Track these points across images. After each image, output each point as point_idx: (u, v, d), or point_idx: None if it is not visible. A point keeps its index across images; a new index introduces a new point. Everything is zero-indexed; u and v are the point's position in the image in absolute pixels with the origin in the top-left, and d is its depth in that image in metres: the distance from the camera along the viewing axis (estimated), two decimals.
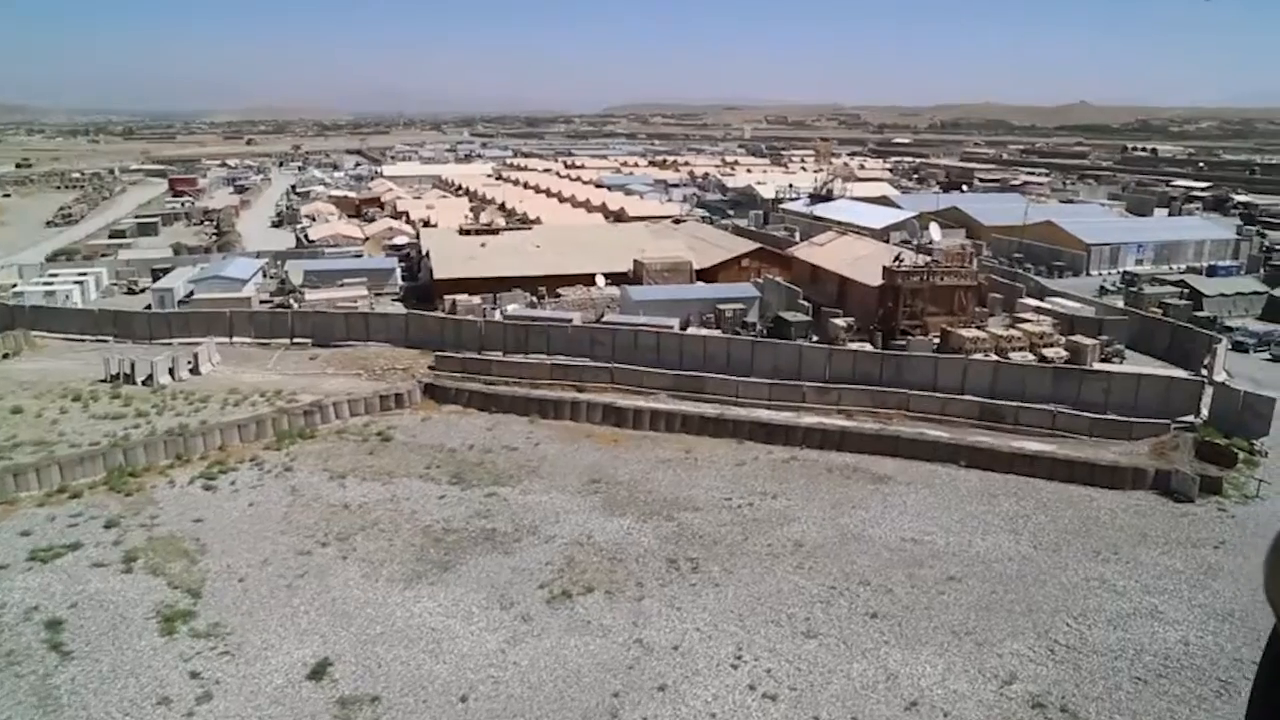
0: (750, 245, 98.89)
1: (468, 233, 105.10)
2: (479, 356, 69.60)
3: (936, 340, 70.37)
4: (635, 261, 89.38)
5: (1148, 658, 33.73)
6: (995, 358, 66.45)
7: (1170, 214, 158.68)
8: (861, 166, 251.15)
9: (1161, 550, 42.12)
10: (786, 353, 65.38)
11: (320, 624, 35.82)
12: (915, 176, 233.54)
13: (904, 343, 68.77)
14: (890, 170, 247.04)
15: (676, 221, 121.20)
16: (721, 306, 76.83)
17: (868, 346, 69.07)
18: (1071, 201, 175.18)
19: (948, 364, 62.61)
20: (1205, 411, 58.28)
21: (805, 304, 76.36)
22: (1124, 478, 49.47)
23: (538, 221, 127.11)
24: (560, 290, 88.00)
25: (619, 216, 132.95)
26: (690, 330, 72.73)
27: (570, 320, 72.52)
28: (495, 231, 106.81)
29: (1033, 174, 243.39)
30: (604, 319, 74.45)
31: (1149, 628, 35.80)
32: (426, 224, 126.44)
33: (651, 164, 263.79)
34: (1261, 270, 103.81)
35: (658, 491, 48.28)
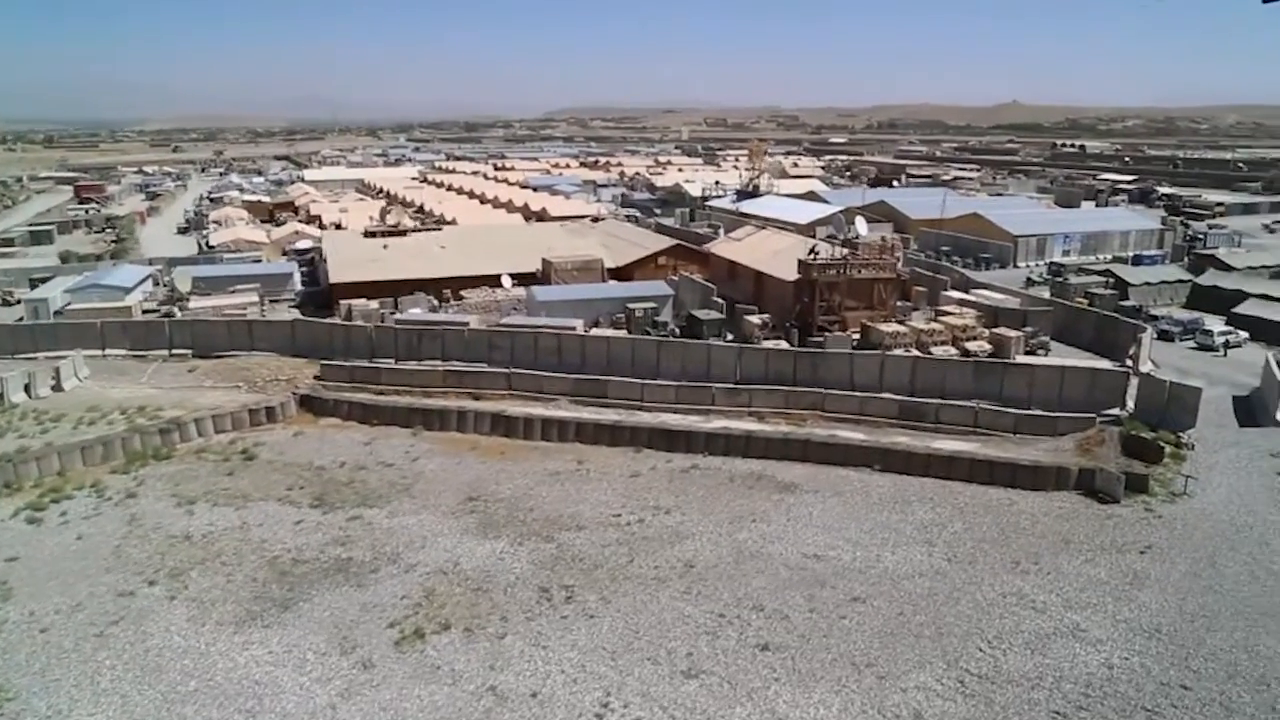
0: (667, 242, 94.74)
1: (373, 235, 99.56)
2: (368, 365, 64.37)
3: (856, 336, 66.77)
4: (543, 261, 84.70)
5: (1068, 686, 29.85)
6: (916, 353, 63.01)
7: (1097, 206, 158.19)
8: (795, 165, 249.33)
9: (1085, 558, 38.47)
10: (694, 353, 61.16)
11: (124, 682, 30.56)
12: (848, 174, 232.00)
13: (821, 339, 64.97)
14: (824, 168, 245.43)
15: (595, 220, 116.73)
16: (632, 306, 72.47)
17: (784, 344, 65.20)
18: (1000, 195, 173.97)
19: (864, 361, 58.84)
20: (1131, 404, 55.28)
21: (719, 301, 72.27)
22: (1047, 478, 45.93)
23: (453, 223, 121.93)
24: (464, 292, 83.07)
25: (540, 217, 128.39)
26: (595, 331, 68.21)
27: (466, 323, 67.59)
28: (402, 233, 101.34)
29: (964, 170, 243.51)
30: (503, 322, 69.57)
31: (1069, 650, 31.97)
32: (338, 227, 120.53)
33: (583, 165, 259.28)
34: (1185, 259, 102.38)
35: (541, 509, 43.60)
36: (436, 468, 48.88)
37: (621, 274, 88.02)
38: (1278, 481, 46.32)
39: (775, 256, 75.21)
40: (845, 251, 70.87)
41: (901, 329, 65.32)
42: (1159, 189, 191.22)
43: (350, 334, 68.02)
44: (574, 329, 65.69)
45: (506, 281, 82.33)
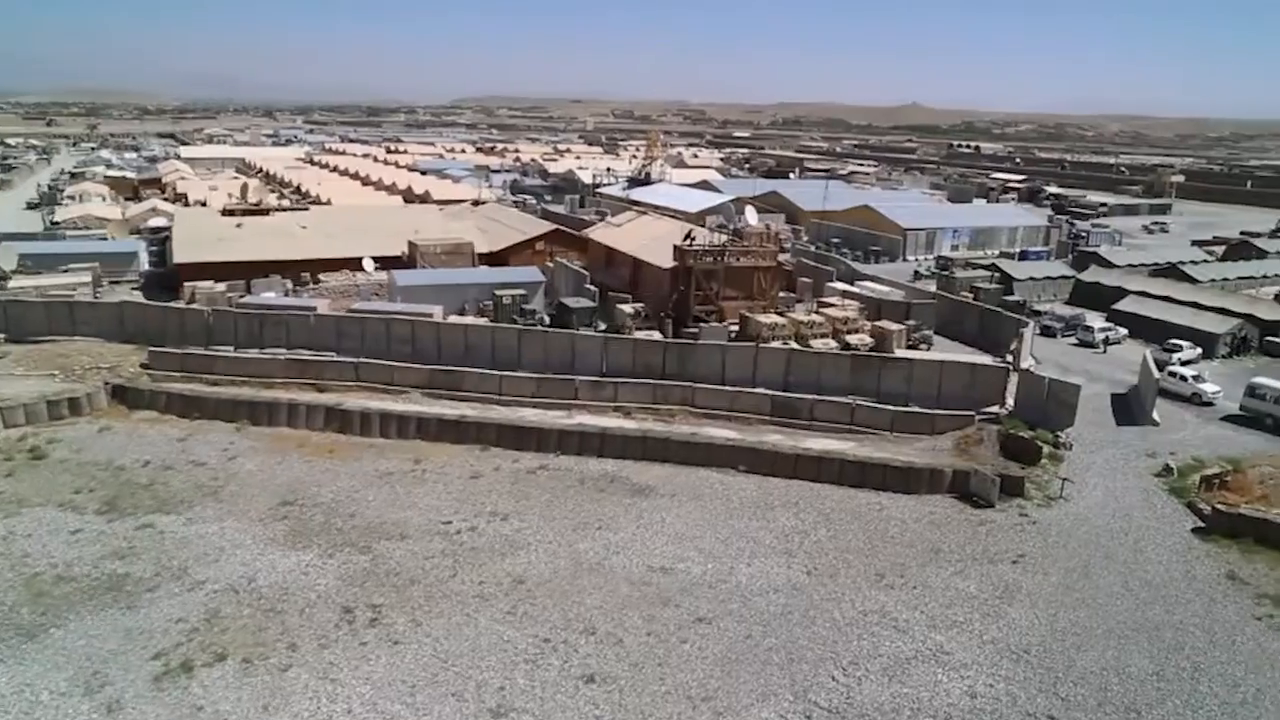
0: (546, 227, 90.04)
1: (231, 213, 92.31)
2: (204, 353, 58.06)
3: (735, 327, 63.32)
4: (410, 244, 79.16)
5: None
6: (794, 345, 59.84)
7: (988, 203, 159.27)
8: (695, 156, 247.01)
9: (954, 570, 35.42)
10: (558, 343, 56.75)
11: None
12: (747, 166, 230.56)
13: (697, 330, 61.28)
14: (723, 160, 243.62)
15: (476, 204, 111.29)
16: (500, 293, 67.60)
17: (656, 335, 61.30)
18: (894, 189, 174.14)
19: (737, 353, 55.29)
20: (1011, 401, 53.03)
21: (592, 289, 67.99)
22: (920, 480, 42.96)
23: (328, 203, 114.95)
24: (323, 276, 77.03)
25: (422, 199, 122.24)
26: (454, 318, 63.20)
27: (313, 309, 61.79)
28: (264, 212, 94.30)
29: (861, 165, 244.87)
30: (354, 307, 63.96)
31: (931, 676, 28.66)
32: (203, 205, 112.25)
33: (479, 150, 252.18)
34: (1070, 255, 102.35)
35: (363, 515, 38.65)
36: (254, 468, 43.39)
37: (497, 259, 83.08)
38: (1153, 483, 44.36)
39: (654, 243, 71.27)
40: (724, 238, 67.37)
41: (781, 320, 62.07)
42: (1047, 189, 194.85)
43: (185, 319, 61.51)
44: (430, 316, 60.56)
45: (368, 265, 76.58)
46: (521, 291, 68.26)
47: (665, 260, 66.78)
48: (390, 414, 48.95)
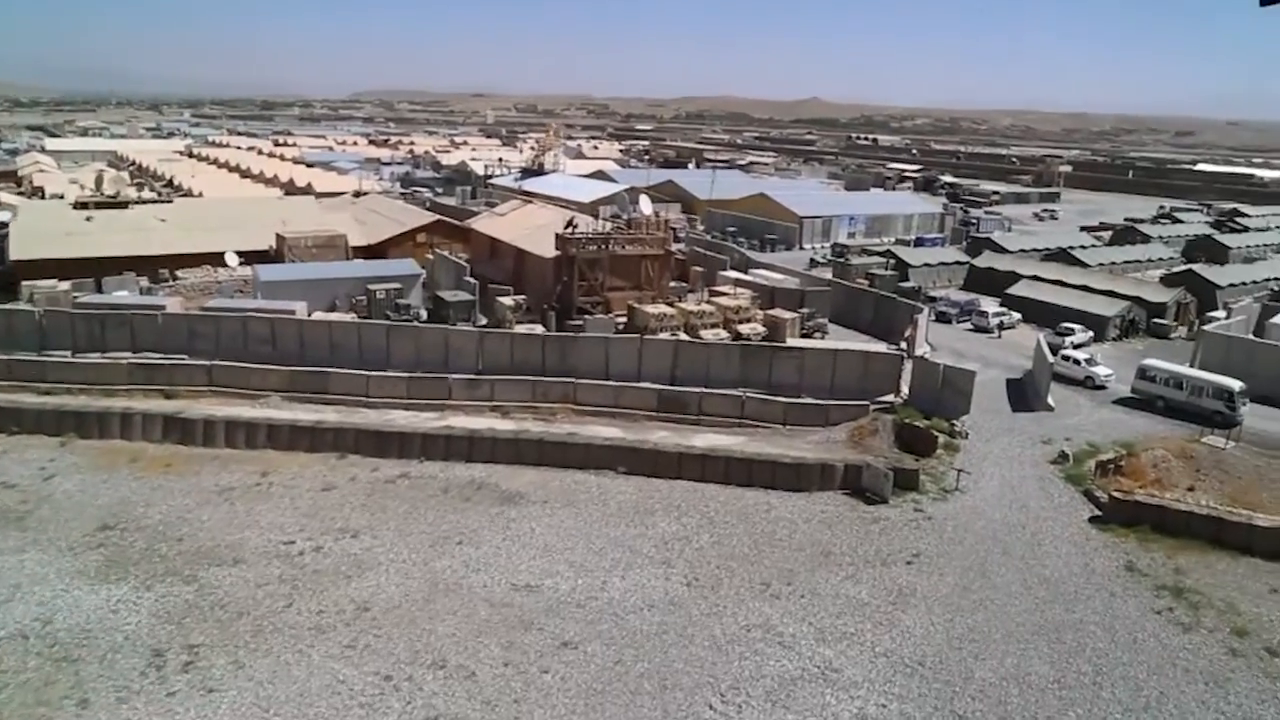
0: (427, 218, 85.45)
1: (84, 206, 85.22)
2: (34, 358, 52.28)
3: (622, 319, 60.19)
4: (277, 236, 73.85)
5: None
6: (684, 336, 57.01)
7: (885, 191, 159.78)
8: (595, 147, 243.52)
9: (846, 574, 32.83)
10: (430, 339, 52.76)
11: None
12: (647, 157, 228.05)
13: (581, 323, 57.91)
14: (623, 151, 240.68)
15: (358, 195, 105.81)
16: (373, 287, 63.04)
17: (539, 329, 57.75)
18: (792, 178, 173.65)
19: (621, 346, 52.13)
20: (906, 389, 51.10)
21: (471, 281, 63.98)
22: (810, 477, 40.39)
23: (199, 195, 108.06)
24: (182, 272, 71.25)
25: (304, 192, 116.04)
26: (318, 315, 58.57)
27: (161, 308, 56.43)
28: (122, 205, 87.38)
29: (761, 156, 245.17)
30: (208, 305, 58.74)
31: (818, 699, 25.87)
32: (61, 199, 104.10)
33: (371, 143, 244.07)
34: (964, 242, 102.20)
35: (193, 538, 34.21)
36: (73, 487, 38.40)
37: (375, 252, 78.26)
38: (1049, 471, 42.73)
39: (538, 232, 67.55)
40: (610, 226, 64.16)
41: (669, 311, 59.15)
42: (942, 178, 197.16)
43: (12, 321, 55.39)
44: (292, 313, 55.85)
45: (231, 259, 71.05)
46: (396, 285, 63.84)
47: (549, 250, 63.20)
48: (237, 421, 44.30)
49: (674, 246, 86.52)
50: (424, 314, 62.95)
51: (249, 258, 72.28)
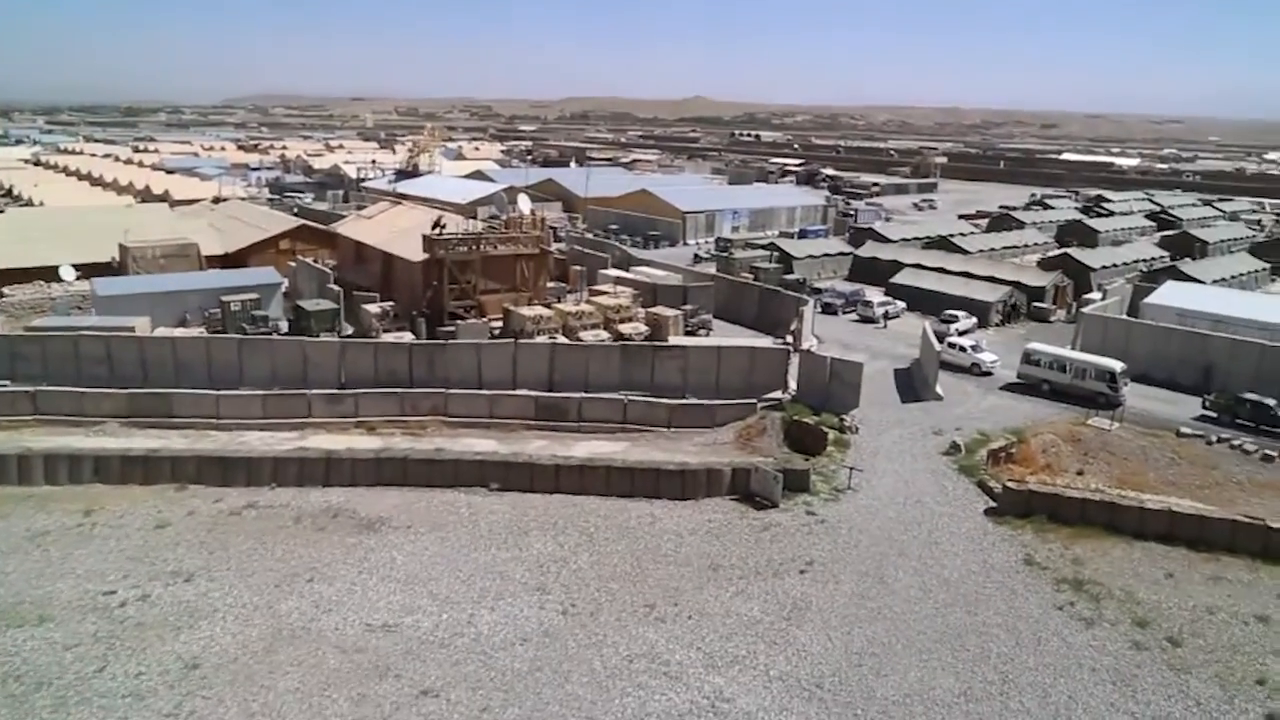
0: (290, 223, 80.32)
1: None
2: None
3: (498, 323, 56.87)
4: (120, 247, 67.94)
5: None
6: (562, 339, 54.06)
7: (768, 185, 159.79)
8: (476, 148, 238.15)
9: (735, 589, 30.41)
10: (286, 353, 48.60)
11: None
12: (529, 157, 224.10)
13: (453, 329, 54.38)
14: (505, 152, 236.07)
15: (217, 201, 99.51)
16: (228, 298, 58.10)
17: (408, 336, 53.96)
18: (675, 174, 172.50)
19: (493, 352, 48.95)
20: (793, 385, 49.29)
21: (334, 289, 59.65)
22: (696, 484, 37.93)
23: (41, 204, 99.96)
24: (9, 289, 64.73)
25: (161, 199, 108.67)
26: (161, 331, 53.55)
27: None
28: None
29: (645, 154, 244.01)
30: (34, 324, 53.04)
31: None
32: None
33: (240, 148, 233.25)
34: (846, 233, 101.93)
35: None
36: None
37: (234, 261, 72.90)
38: (942, 463, 41.30)
39: (406, 235, 63.47)
40: (481, 225, 60.72)
41: (547, 313, 56.08)
42: (824, 171, 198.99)
43: None
44: (131, 330, 50.79)
45: (67, 273, 65.02)
46: (254, 296, 59.05)
47: (417, 253, 59.29)
48: (59, 454, 39.40)
49: (554, 246, 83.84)
50: (284, 326, 58.48)
51: (89, 271, 66.29)
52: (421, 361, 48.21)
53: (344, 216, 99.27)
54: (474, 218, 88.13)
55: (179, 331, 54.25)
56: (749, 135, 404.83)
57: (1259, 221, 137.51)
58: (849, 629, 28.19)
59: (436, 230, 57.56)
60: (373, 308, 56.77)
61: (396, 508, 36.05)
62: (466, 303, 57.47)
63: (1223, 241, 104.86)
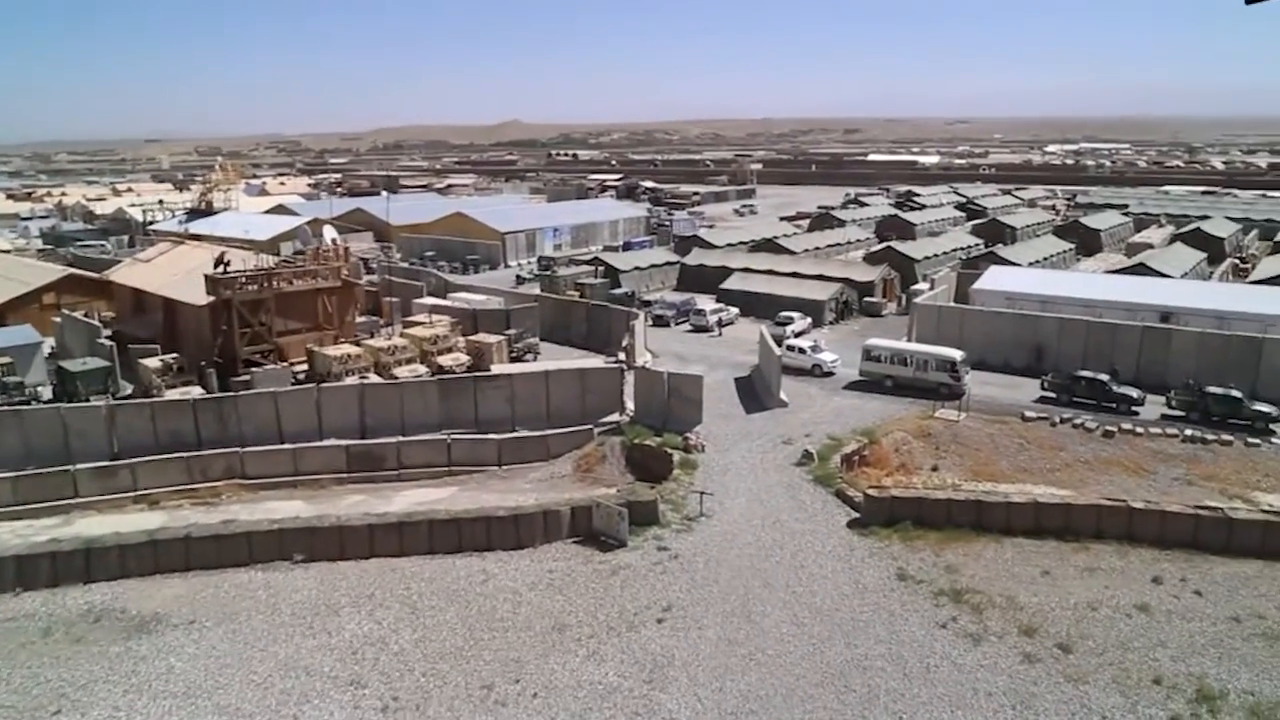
0: (58, 273, 71.03)
1: None
2: None
3: (302, 367, 50.91)
4: None
5: None
6: (375, 378, 48.69)
7: (589, 200, 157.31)
8: (282, 183, 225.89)
9: (587, 652, 26.21)
10: (41, 424, 41.25)
11: None
12: (339, 189, 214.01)
13: (248, 377, 48.08)
14: (312, 185, 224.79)
15: None
16: None
17: (196, 390, 47.28)
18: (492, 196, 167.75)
19: (293, 400, 43.21)
20: (631, 405, 45.72)
21: (106, 344, 52.07)
22: (533, 529, 33.47)
23: None
24: None
25: None
26: None
27: None
28: None
29: (461, 178, 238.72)
30: None
31: None
32: None
33: (10, 197, 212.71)
34: (672, 242, 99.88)
35: None
36: None
37: None
38: (797, 475, 38.51)
39: (189, 277, 56.26)
40: (274, 260, 54.55)
41: (355, 350, 50.57)
42: (643, 184, 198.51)
43: None
44: None
45: None
46: (5, 360, 50.83)
47: (202, 297, 52.44)
48: None
49: (365, 278, 77.81)
50: (46, 392, 50.58)
51: None
52: (209, 418, 41.96)
53: (114, 260, 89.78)
54: (276, 254, 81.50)
55: None
56: (566, 155, 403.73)
57: (1054, 207, 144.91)
58: (720, 684, 24.48)
59: (220, 269, 50.98)
60: (152, 362, 49.69)
61: (178, 599, 30.00)
62: (263, 347, 51.21)
63: (1028, 226, 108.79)
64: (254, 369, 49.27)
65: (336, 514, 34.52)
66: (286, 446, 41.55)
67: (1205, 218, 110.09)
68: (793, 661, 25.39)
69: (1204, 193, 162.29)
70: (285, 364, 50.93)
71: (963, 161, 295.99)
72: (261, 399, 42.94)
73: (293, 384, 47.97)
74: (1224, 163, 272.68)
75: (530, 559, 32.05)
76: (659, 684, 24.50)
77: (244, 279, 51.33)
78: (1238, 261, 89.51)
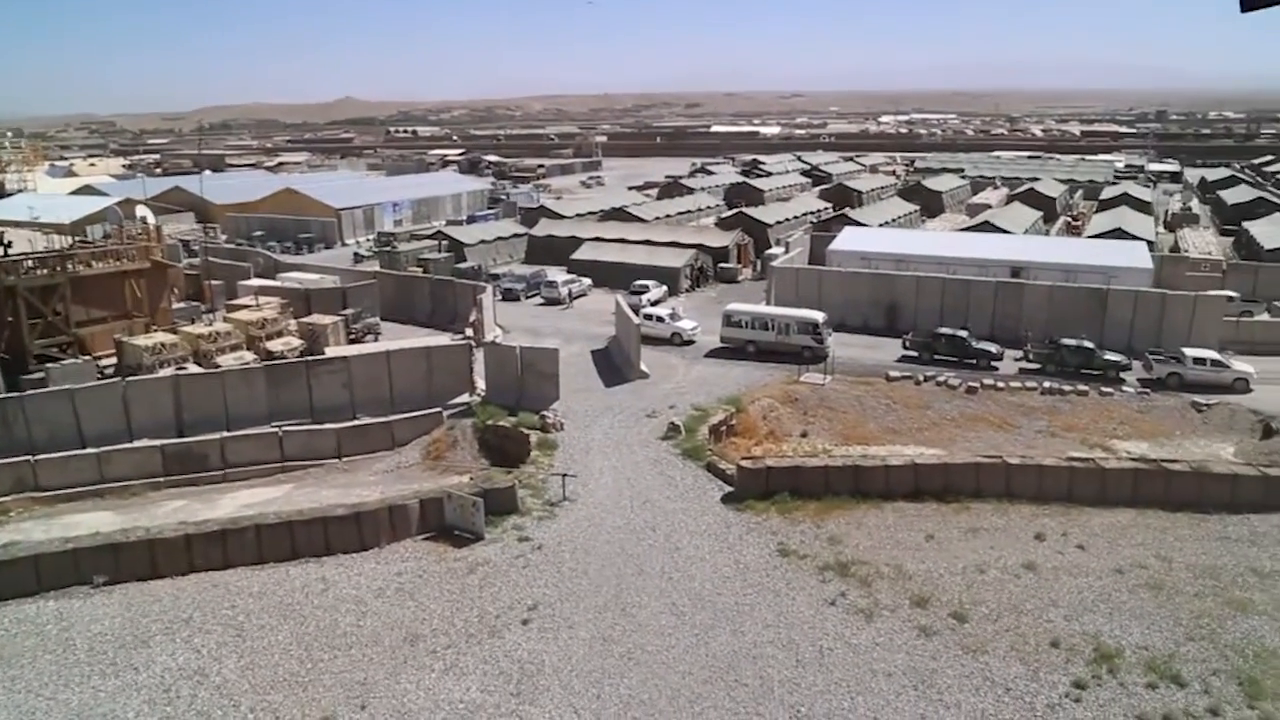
0: None
1: None
2: None
3: (110, 360, 45.25)
4: None
5: None
6: (194, 368, 43.62)
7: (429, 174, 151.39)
8: (92, 165, 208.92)
9: (445, 665, 23.08)
10: None
11: None
12: (159, 170, 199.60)
13: (43, 374, 42.20)
14: (128, 166, 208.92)
15: None
16: None
17: None
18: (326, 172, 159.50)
19: (94, 397, 37.87)
20: (482, 384, 42.47)
21: None
22: (377, 527, 29.84)
23: None
24: None
25: None
26: None
27: None
28: None
29: (294, 156, 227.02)
30: None
31: None
32: None
33: None
34: (518, 214, 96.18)
35: None
36: None
37: None
38: (664, 450, 36.23)
39: None
40: (69, 241, 48.36)
41: (170, 339, 45.23)
42: (486, 159, 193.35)
43: None
44: None
45: None
46: None
47: None
48: None
49: (187, 260, 71.31)
50: None
51: None
52: None
53: None
54: (81, 236, 74.11)
55: None
56: (406, 131, 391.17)
57: (894, 172, 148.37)
58: (597, 690, 21.83)
59: None
60: None
61: None
62: (59, 339, 45.20)
63: (873, 190, 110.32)
64: (49, 364, 43.34)
65: (146, 525, 29.96)
66: (88, 451, 36.34)
67: (1035, 179, 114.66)
68: (676, 657, 22.99)
69: (1030, 157, 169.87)
70: (89, 357, 45.21)
71: (803, 132, 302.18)
72: (54, 398, 37.42)
73: (98, 379, 42.44)
74: (1043, 130, 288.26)
75: (375, 561, 28.52)
76: (528, 696, 21.64)
77: (30, 262, 45.10)
78: (1070, 219, 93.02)
